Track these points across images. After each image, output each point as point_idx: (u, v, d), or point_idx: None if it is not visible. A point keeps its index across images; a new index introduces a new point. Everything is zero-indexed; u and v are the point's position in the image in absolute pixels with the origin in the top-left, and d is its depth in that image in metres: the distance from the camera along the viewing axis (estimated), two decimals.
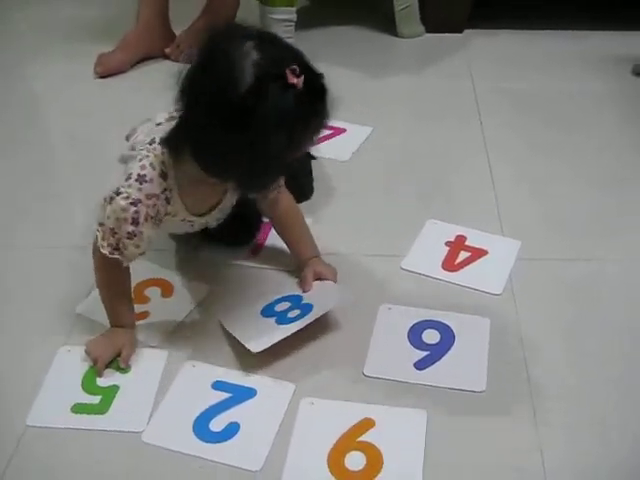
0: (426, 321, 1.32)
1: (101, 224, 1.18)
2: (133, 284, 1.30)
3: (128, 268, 1.23)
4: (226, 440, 1.12)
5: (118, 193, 1.16)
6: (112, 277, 1.23)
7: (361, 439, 1.12)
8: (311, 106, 1.09)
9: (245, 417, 1.15)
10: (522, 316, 1.34)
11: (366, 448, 1.11)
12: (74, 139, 1.89)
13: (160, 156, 1.20)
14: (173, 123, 1.19)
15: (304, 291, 1.36)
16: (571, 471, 1.09)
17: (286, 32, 2.06)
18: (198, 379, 1.22)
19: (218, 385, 1.21)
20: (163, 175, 1.19)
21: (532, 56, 2.20)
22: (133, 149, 1.28)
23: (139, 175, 1.17)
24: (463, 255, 1.47)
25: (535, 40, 2.28)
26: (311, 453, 1.11)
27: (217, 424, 1.14)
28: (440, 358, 1.26)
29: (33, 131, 1.91)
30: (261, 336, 1.24)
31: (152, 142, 1.21)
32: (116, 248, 1.18)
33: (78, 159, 1.81)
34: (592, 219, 1.57)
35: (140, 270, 1.34)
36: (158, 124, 1.27)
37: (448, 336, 1.29)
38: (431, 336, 1.30)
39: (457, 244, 1.50)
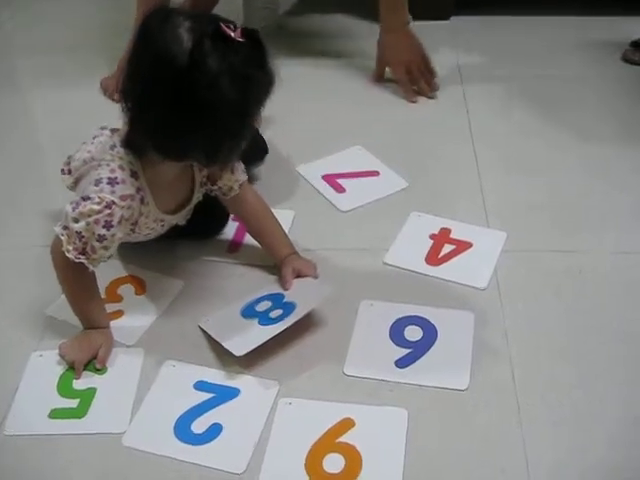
0: (408, 317, 1.29)
1: (65, 227, 1.14)
2: (105, 283, 1.26)
3: (94, 272, 1.19)
4: (209, 442, 1.09)
5: (88, 198, 1.13)
6: (78, 281, 1.19)
7: (340, 440, 1.09)
8: (254, 59, 1.07)
9: (228, 418, 1.12)
10: (507, 310, 1.30)
11: (345, 449, 1.07)
12: (43, 141, 1.85)
13: (125, 157, 1.17)
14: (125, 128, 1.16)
15: (285, 290, 1.32)
16: (555, 470, 1.06)
17: (267, 19, 2.01)
18: (179, 379, 1.19)
19: (200, 385, 1.17)
20: (134, 175, 1.16)
21: (521, 43, 2.16)
22: (84, 164, 1.22)
23: (109, 178, 1.14)
24: (447, 248, 1.44)
25: (524, 26, 2.23)
26: (289, 455, 1.07)
27: (199, 425, 1.11)
28: (422, 355, 1.22)
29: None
30: (244, 339, 1.20)
31: (113, 147, 1.18)
32: (82, 252, 1.14)
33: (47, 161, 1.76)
34: (581, 209, 1.53)
35: (111, 268, 1.31)
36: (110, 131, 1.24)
37: (430, 332, 1.26)
38: (413, 333, 1.26)
39: (441, 237, 1.46)
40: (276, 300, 1.30)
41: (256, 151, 1.51)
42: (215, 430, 1.11)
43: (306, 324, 1.28)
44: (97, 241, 1.13)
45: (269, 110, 1.79)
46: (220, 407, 1.14)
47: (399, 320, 1.28)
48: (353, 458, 1.07)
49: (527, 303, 1.32)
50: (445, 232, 1.47)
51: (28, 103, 2.02)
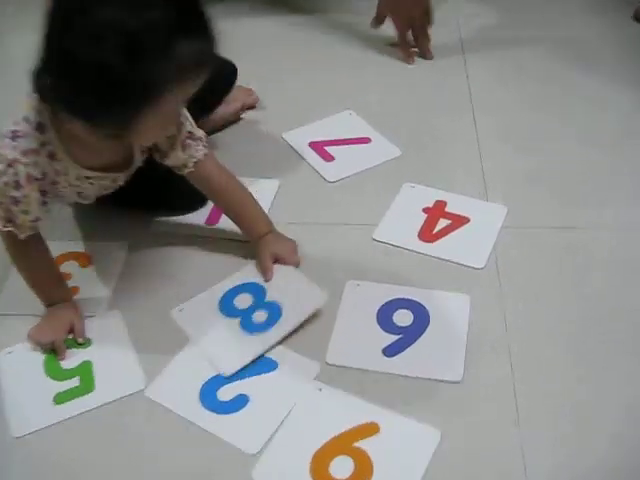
0: (398, 300, 1.18)
1: None
2: None
3: (41, 241, 1.11)
4: (230, 413, 1.03)
5: None
6: (26, 255, 1.10)
7: (358, 444, 0.98)
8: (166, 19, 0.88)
9: (257, 392, 1.05)
10: (507, 292, 1.19)
11: (359, 455, 0.97)
12: None
13: (37, 105, 1.02)
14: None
15: (265, 280, 1.20)
16: (554, 473, 0.96)
17: None
18: None
19: None
20: (40, 127, 1.03)
21: (528, 2, 2.01)
22: None
23: (12, 132, 1.02)
24: (442, 223, 1.32)
25: None
26: (297, 447, 0.99)
27: (226, 393, 1.05)
28: (412, 343, 1.11)
29: None
30: (230, 353, 1.11)
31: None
32: (9, 220, 1.05)
33: None
34: (586, 182, 1.40)
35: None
36: None
37: (422, 317, 1.15)
38: (403, 317, 1.15)
39: (436, 211, 1.34)
40: (257, 295, 1.18)
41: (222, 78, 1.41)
42: (240, 402, 1.04)
43: None
44: (13, 204, 1.03)
45: (254, 71, 1.72)
46: (252, 378, 1.07)
47: (388, 303, 1.17)
48: (364, 467, 0.96)
49: (528, 284, 1.21)
50: (440, 205, 1.35)
51: None
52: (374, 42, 1.85)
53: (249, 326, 1.13)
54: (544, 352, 1.10)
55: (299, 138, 1.53)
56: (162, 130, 1.07)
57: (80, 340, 1.12)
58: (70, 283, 1.22)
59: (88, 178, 1.12)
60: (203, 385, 1.06)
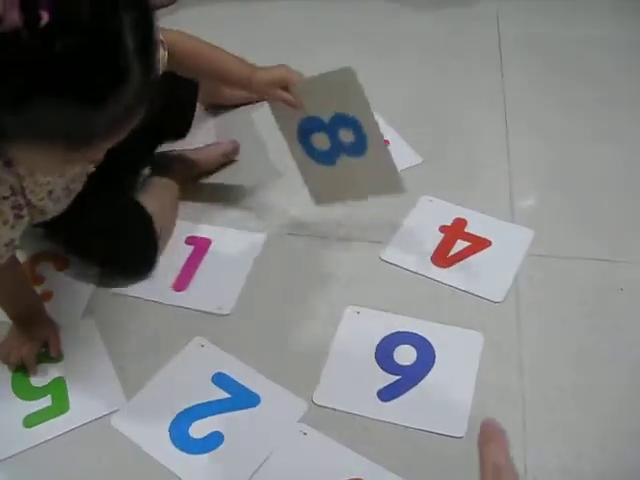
0: (401, 333, 1.05)
1: None
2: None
3: (15, 262, 1.01)
4: (201, 453, 0.92)
5: None
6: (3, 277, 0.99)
7: None
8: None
9: (234, 430, 0.94)
10: (526, 333, 1.06)
11: None
12: None
13: None
14: None
15: (296, 106, 1.06)
16: None
17: None
18: (200, 364, 1.02)
19: (219, 379, 1.00)
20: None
21: (568, 1, 1.84)
22: None
23: None
24: (460, 245, 1.18)
25: None
26: None
27: (198, 429, 0.94)
28: (412, 386, 0.99)
29: None
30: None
31: None
32: None
33: None
34: (625, 212, 1.25)
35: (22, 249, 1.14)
36: None
37: (426, 356, 1.02)
38: (405, 354, 1.02)
39: (454, 230, 1.21)
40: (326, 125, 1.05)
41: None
42: (214, 440, 0.93)
43: (275, 332, 1.06)
44: None
45: (274, 56, 1.58)
46: (230, 414, 0.95)
47: (390, 336, 1.05)
48: None
49: (551, 326, 1.07)
50: (460, 224, 1.22)
51: None
52: (402, 34, 1.71)
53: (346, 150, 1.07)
54: (562, 406, 0.97)
55: None
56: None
57: (54, 355, 1.04)
58: (43, 287, 1.13)
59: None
60: (175, 418, 0.96)
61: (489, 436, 0.53)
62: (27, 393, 1.00)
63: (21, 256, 1.15)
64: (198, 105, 1.36)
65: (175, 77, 1.03)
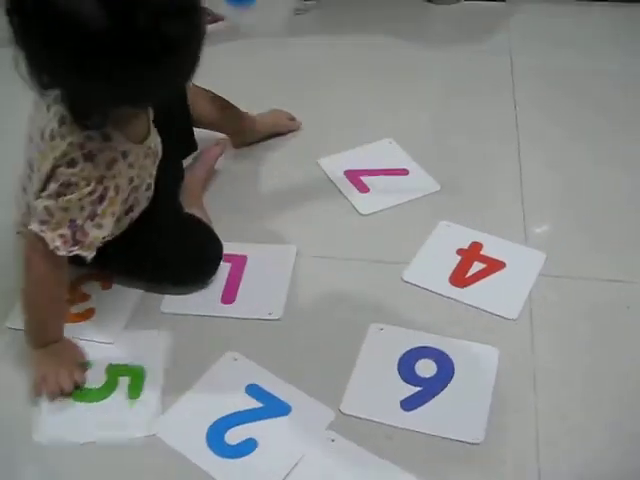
0: (422, 348, 1.12)
1: (44, 222, 1.00)
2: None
3: (67, 273, 1.07)
4: (236, 457, 0.98)
5: (69, 184, 0.99)
6: (54, 288, 1.06)
7: None
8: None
9: (267, 436, 1.01)
10: (539, 349, 1.12)
11: None
12: None
13: (78, 132, 0.99)
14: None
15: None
16: None
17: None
18: (233, 376, 1.09)
19: (252, 390, 1.06)
20: (106, 137, 1.01)
21: (579, 32, 1.93)
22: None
23: (83, 155, 0.99)
24: (477, 267, 1.25)
25: (584, 13, 2.00)
26: None
27: (234, 436, 1.00)
28: (433, 397, 1.05)
29: None
30: None
31: (59, 126, 1.00)
32: (74, 243, 1.01)
33: None
34: (635, 235, 1.32)
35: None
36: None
37: (446, 369, 1.09)
38: (426, 367, 1.09)
39: (471, 253, 1.28)
40: None
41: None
42: (248, 446, 0.99)
43: (305, 346, 1.13)
44: (89, 219, 1.01)
45: (292, 91, 1.68)
46: (263, 422, 1.02)
47: (411, 351, 1.11)
48: None
49: (563, 341, 1.13)
50: (476, 247, 1.29)
51: None
52: (423, 68, 1.80)
53: None
54: (574, 418, 1.03)
55: (335, 165, 1.48)
56: None
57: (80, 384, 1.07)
58: (88, 304, 1.20)
59: (148, 149, 1.10)
60: (211, 425, 1.02)
61: None
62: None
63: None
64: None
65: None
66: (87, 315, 1.18)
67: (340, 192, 1.42)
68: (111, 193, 1.02)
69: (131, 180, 1.08)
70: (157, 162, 1.16)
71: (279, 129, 1.55)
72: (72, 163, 0.99)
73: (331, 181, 1.45)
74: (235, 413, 1.03)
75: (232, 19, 1.11)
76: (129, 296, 1.22)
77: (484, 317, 1.17)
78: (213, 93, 1.40)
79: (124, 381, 1.09)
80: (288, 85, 1.73)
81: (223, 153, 1.45)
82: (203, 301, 1.20)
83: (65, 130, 0.99)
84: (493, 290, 1.21)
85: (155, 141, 1.14)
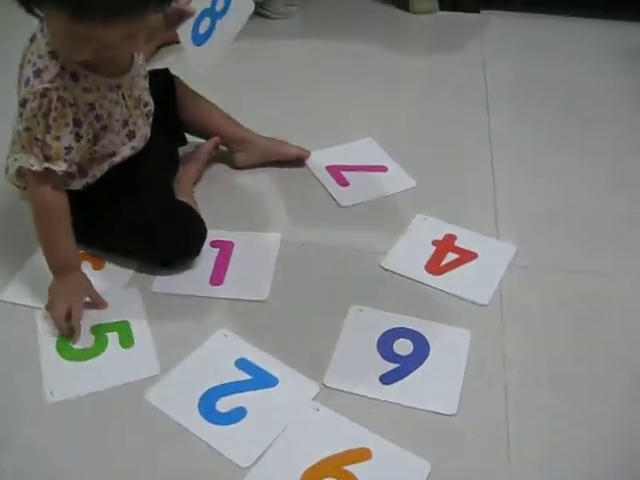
0: (400, 329, 1.19)
1: (22, 147, 1.12)
2: None
3: (64, 196, 1.16)
4: (226, 424, 1.05)
5: (25, 101, 1.09)
6: (51, 205, 1.15)
7: (348, 468, 1.00)
8: None
9: (255, 406, 1.07)
10: (508, 332, 1.21)
11: (348, 479, 0.98)
12: None
13: (42, 41, 1.10)
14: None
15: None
16: None
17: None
18: (224, 351, 1.15)
19: (241, 363, 1.13)
20: (54, 55, 1.10)
21: (551, 44, 2.04)
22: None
23: (33, 71, 1.10)
24: (450, 257, 1.34)
25: (556, 26, 2.12)
26: (288, 464, 1.00)
27: (224, 404, 1.07)
28: (410, 372, 1.13)
29: None
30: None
31: (32, 39, 1.13)
32: (45, 158, 1.11)
33: None
34: (601, 227, 1.42)
35: None
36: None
37: (422, 348, 1.16)
38: (403, 346, 1.17)
39: (445, 244, 1.36)
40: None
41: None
42: (238, 414, 1.06)
43: (290, 326, 1.20)
44: (47, 132, 1.10)
45: (277, 94, 1.76)
46: (252, 392, 1.09)
47: (389, 331, 1.19)
48: None
49: (531, 326, 1.22)
50: (450, 239, 1.37)
51: None
52: (399, 72, 1.89)
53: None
54: (540, 395, 1.11)
55: (317, 160, 1.56)
56: None
57: (103, 308, 1.19)
58: None
59: (118, 87, 1.18)
60: (203, 394, 1.08)
61: None
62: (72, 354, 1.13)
63: None
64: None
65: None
66: None
67: (322, 184, 1.50)
68: (55, 104, 1.09)
69: (91, 107, 1.15)
70: (144, 112, 1.27)
71: (283, 151, 1.53)
72: (27, 82, 1.10)
73: (314, 175, 1.52)
74: (226, 384, 1.09)
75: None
76: (120, 276, 1.27)
77: (458, 302, 1.25)
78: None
79: (113, 336, 1.16)
80: (272, 88, 1.80)
81: (217, 148, 1.52)
82: (193, 282, 1.27)
83: (32, 50, 1.11)
84: (466, 278, 1.29)
85: (133, 87, 1.22)
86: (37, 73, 1.09)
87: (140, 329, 1.17)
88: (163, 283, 1.27)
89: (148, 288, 1.26)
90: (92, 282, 1.21)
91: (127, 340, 1.16)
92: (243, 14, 1.29)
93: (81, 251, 1.26)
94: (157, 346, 1.16)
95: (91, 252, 1.30)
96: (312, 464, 1.00)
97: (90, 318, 1.18)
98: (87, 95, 1.14)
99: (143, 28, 1.07)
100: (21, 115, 1.10)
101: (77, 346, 1.14)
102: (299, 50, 1.99)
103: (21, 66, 1.16)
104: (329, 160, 1.56)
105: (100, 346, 1.15)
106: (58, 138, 1.11)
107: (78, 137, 1.14)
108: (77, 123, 1.13)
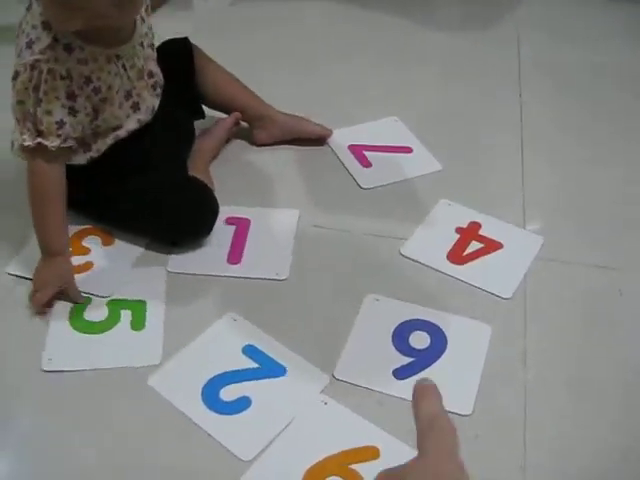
0: (417, 321, 1.14)
1: (17, 121, 1.08)
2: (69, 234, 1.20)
3: (60, 174, 1.11)
4: (230, 414, 1.01)
5: (17, 74, 1.06)
6: (45, 184, 1.10)
7: (354, 467, 0.95)
8: None
9: (261, 395, 1.03)
10: (531, 328, 1.14)
11: (353, 479, 0.93)
12: None
13: (36, 11, 1.06)
14: None
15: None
16: None
17: None
18: (232, 336, 1.11)
19: (249, 350, 1.08)
20: (46, 25, 1.05)
21: (590, 27, 1.94)
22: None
23: (25, 42, 1.06)
24: (474, 246, 1.27)
25: (597, 8, 2.01)
26: (291, 460, 0.95)
27: (228, 393, 1.03)
28: (425, 368, 1.07)
29: None
30: None
31: (28, 8, 1.08)
32: (38, 133, 1.07)
33: None
34: (631, 222, 1.34)
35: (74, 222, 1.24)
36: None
37: (439, 342, 1.11)
38: (420, 339, 1.11)
39: (469, 232, 1.30)
40: None
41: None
42: (242, 404, 1.02)
43: (302, 313, 1.15)
44: (37, 106, 1.05)
45: (299, 67, 1.70)
46: (258, 381, 1.04)
47: (406, 323, 1.13)
48: None
49: (555, 322, 1.15)
50: (474, 227, 1.31)
51: None
52: (431, 51, 1.82)
53: None
54: (561, 395, 1.05)
55: (339, 139, 1.49)
56: None
57: (79, 301, 1.13)
58: (86, 258, 1.21)
59: (118, 58, 1.12)
60: (207, 382, 1.04)
61: (423, 392, 0.53)
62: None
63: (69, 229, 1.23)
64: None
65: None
66: (86, 267, 1.19)
67: (343, 164, 1.43)
68: (45, 76, 1.04)
69: (87, 79, 1.10)
70: (149, 84, 1.21)
71: (304, 128, 1.46)
72: (19, 53, 1.06)
73: (335, 154, 1.46)
74: (231, 371, 1.05)
75: None
76: (130, 253, 1.23)
77: (479, 294, 1.19)
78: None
79: (126, 315, 1.12)
80: (292, 60, 1.74)
81: (238, 124, 1.46)
82: (210, 261, 1.22)
83: (27, 19, 1.07)
84: (489, 269, 1.23)
85: (135, 57, 1.16)
86: (29, 44, 1.05)
87: (155, 313, 1.13)
88: (178, 262, 1.22)
89: (163, 267, 1.21)
90: (102, 258, 1.19)
91: (138, 323, 1.12)
92: None
93: (89, 226, 1.22)
94: (165, 330, 1.11)
95: (100, 227, 1.25)
96: (316, 461, 0.95)
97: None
98: (82, 67, 1.08)
99: None
100: (14, 88, 1.06)
101: (89, 317, 1.11)
102: (321, 20, 1.93)
103: (17, 36, 1.10)
104: (352, 139, 1.49)
105: (111, 322, 1.12)
106: (49, 112, 1.06)
107: (73, 111, 1.09)
108: (71, 96, 1.08)
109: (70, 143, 1.11)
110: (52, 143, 1.07)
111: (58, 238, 1.14)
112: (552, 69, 1.77)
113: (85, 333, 1.10)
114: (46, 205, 1.11)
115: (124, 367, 1.06)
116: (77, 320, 1.11)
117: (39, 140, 1.07)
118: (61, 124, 1.08)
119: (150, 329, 1.11)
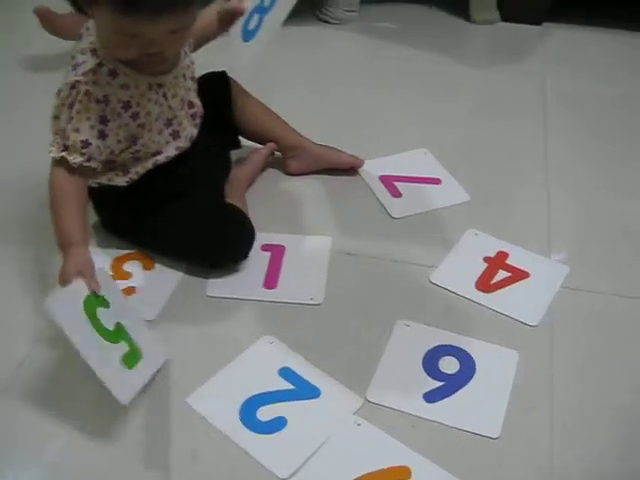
0: (446, 346, 1.18)
1: (53, 134, 1.14)
2: (110, 259, 1.27)
3: (80, 184, 1.14)
4: (266, 434, 1.04)
5: (59, 92, 1.13)
6: (64, 188, 1.13)
7: None
8: None
9: (296, 416, 1.07)
10: (557, 355, 1.18)
11: None
12: None
13: (86, 39, 1.14)
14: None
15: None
16: None
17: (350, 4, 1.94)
18: (268, 358, 1.15)
19: (285, 372, 1.13)
20: (94, 52, 1.13)
21: (615, 60, 2.00)
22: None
23: (72, 65, 1.13)
24: (501, 275, 1.31)
25: (622, 41, 2.07)
26: (326, 478, 1.00)
27: (265, 413, 1.07)
28: (455, 392, 1.11)
29: None
30: None
31: (79, 37, 1.17)
32: (65, 147, 1.12)
33: None
34: None
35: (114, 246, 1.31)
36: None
37: (468, 367, 1.15)
38: (449, 364, 1.15)
39: (497, 261, 1.34)
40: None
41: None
42: (278, 423, 1.06)
43: (335, 337, 1.19)
44: (68, 122, 1.11)
45: (333, 99, 1.75)
46: (293, 402, 1.08)
47: (436, 348, 1.17)
48: None
49: (581, 350, 1.19)
50: (502, 256, 1.35)
51: None
52: (457, 83, 1.87)
53: None
54: (587, 422, 1.08)
55: (370, 169, 1.54)
56: None
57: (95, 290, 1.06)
58: (128, 283, 1.26)
59: (159, 86, 1.18)
60: (244, 402, 1.08)
61: None
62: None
63: (110, 254, 1.30)
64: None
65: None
66: (128, 292, 1.23)
67: (374, 194, 1.48)
68: (81, 97, 1.11)
69: (126, 104, 1.15)
70: (189, 114, 1.27)
71: (337, 159, 1.52)
72: (67, 75, 1.13)
73: (366, 184, 1.51)
74: (267, 392, 1.09)
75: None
76: (171, 277, 1.28)
77: (506, 322, 1.23)
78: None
79: (123, 346, 1.06)
80: (327, 93, 1.80)
81: (273, 154, 1.52)
82: (247, 286, 1.27)
83: (77, 47, 1.14)
84: (516, 297, 1.27)
85: (177, 87, 1.22)
86: (74, 66, 1.12)
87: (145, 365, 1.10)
88: (217, 287, 1.27)
89: (202, 291, 1.26)
90: (143, 282, 1.24)
91: (130, 362, 1.06)
92: (287, 6, 1.25)
93: (133, 251, 1.29)
94: (204, 351, 1.16)
95: (143, 252, 1.31)
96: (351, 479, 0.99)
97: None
98: (123, 92, 1.14)
99: (189, 23, 1.09)
100: (54, 103, 1.13)
101: (102, 316, 1.04)
102: (355, 56, 1.99)
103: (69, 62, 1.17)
104: (382, 170, 1.54)
105: (114, 337, 1.06)
106: (77, 130, 1.12)
107: (103, 135, 1.14)
108: (103, 120, 1.14)
109: (94, 165, 1.14)
110: (74, 159, 1.12)
111: (77, 229, 1.12)
112: (576, 102, 1.82)
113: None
114: (64, 204, 1.13)
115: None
116: (90, 306, 1.04)
117: (63, 154, 1.12)
118: (86, 144, 1.12)
119: (135, 373, 1.07)
